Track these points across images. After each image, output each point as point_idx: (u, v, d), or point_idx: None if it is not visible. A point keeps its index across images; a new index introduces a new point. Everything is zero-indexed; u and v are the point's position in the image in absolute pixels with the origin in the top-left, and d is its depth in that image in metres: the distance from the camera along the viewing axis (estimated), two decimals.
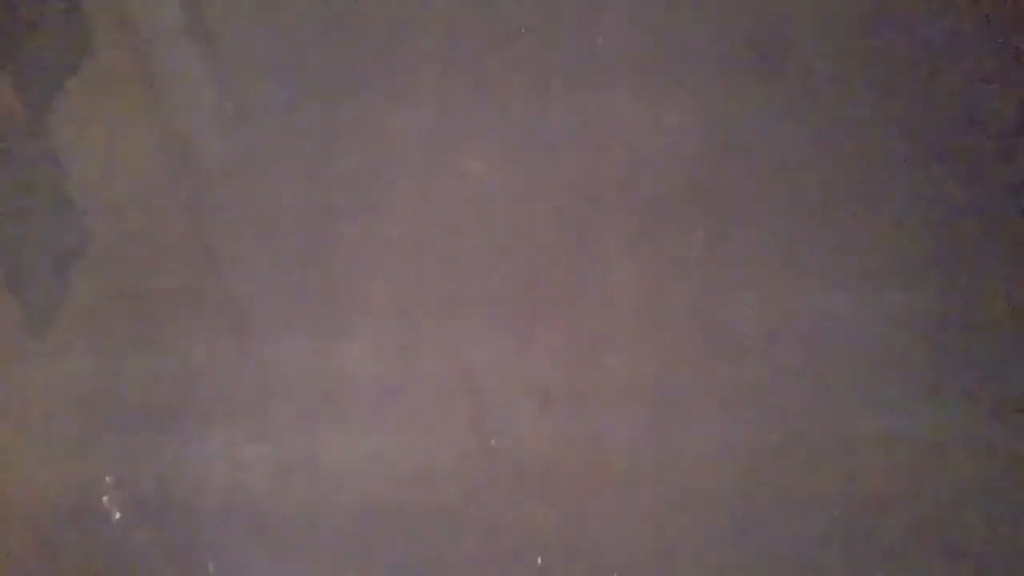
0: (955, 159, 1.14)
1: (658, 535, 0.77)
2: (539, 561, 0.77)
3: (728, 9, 1.21)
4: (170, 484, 0.85)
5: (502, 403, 0.87)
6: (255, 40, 1.19)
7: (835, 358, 0.94)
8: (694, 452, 0.84)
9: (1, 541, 0.82)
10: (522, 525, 0.78)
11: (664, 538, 0.79)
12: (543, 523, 0.80)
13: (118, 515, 0.84)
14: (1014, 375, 0.95)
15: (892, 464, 0.86)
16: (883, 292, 1.02)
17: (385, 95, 1.16)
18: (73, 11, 1.21)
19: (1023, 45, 1.18)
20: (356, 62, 1.17)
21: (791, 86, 1.18)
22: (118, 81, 1.21)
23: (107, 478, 0.85)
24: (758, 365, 0.94)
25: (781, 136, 1.13)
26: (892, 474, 0.86)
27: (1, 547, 0.81)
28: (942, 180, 1.12)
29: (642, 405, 0.87)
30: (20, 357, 0.97)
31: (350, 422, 0.86)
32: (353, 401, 0.88)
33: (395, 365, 0.91)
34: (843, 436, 0.88)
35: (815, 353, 0.95)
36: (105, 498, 0.83)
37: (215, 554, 0.79)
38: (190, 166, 1.17)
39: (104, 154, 1.13)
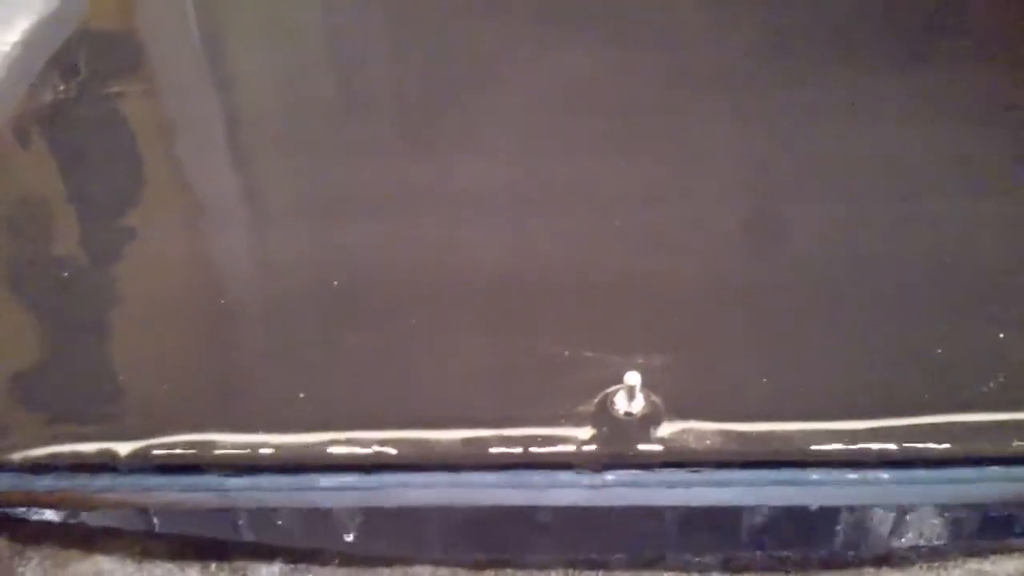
0: None
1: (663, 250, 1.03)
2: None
3: None
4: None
5: (603, 204, 1.08)
6: None
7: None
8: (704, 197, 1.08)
9: None
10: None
11: (669, 253, 1.02)
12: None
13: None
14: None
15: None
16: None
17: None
18: None
19: None
20: None
21: None
22: None
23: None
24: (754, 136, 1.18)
25: None
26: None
27: None
28: None
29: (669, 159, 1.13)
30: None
31: (475, 215, 1.10)
32: (476, 204, 1.14)
33: (508, 178, 1.16)
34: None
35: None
36: None
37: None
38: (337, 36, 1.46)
39: None
